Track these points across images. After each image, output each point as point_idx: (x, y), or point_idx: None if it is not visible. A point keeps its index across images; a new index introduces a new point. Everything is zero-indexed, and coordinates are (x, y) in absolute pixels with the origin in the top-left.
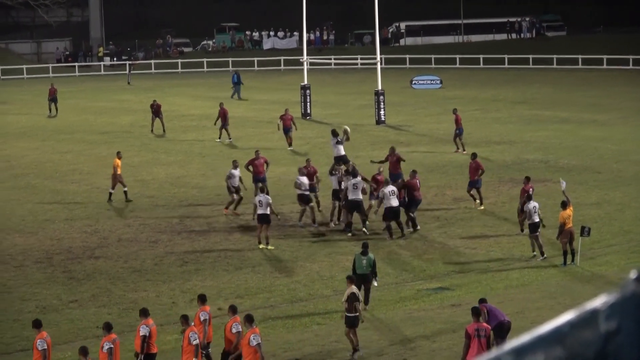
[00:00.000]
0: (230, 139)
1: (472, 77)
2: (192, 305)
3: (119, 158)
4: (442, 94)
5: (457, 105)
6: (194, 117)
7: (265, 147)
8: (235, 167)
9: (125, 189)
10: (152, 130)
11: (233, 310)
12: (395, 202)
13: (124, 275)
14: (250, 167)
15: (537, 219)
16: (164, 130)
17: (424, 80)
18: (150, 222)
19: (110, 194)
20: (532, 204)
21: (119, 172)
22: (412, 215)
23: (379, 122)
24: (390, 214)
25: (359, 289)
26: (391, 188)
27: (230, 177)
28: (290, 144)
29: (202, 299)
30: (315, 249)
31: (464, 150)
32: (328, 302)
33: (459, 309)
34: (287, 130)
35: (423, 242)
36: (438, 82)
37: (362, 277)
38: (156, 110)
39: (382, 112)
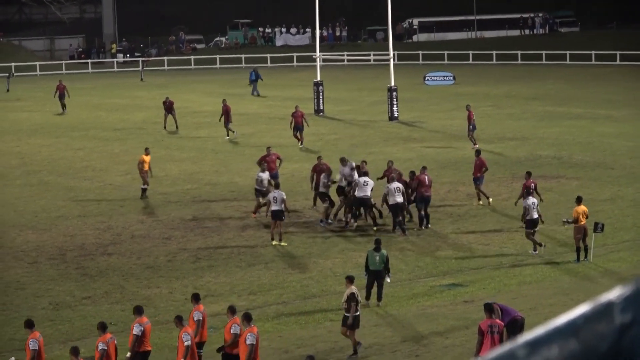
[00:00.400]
0: (234, 133)
1: (485, 73)
2: (204, 301)
3: (147, 154)
4: (455, 90)
5: (470, 102)
6: (207, 113)
7: (277, 143)
8: (263, 171)
9: (147, 186)
10: (164, 127)
11: (232, 311)
12: (400, 199)
13: (137, 272)
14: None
15: (535, 215)
16: (176, 127)
17: (437, 76)
18: (163, 218)
19: (144, 189)
20: (531, 200)
21: (145, 168)
22: (422, 213)
23: (391, 118)
24: (395, 210)
25: (372, 285)
26: (396, 184)
27: (259, 180)
28: (301, 142)
29: (196, 298)
30: (328, 246)
31: (474, 145)
32: (341, 299)
33: (472, 305)
34: (299, 129)
35: (436, 238)
36: (451, 78)
37: (375, 274)
38: (168, 107)
39: (395, 108)
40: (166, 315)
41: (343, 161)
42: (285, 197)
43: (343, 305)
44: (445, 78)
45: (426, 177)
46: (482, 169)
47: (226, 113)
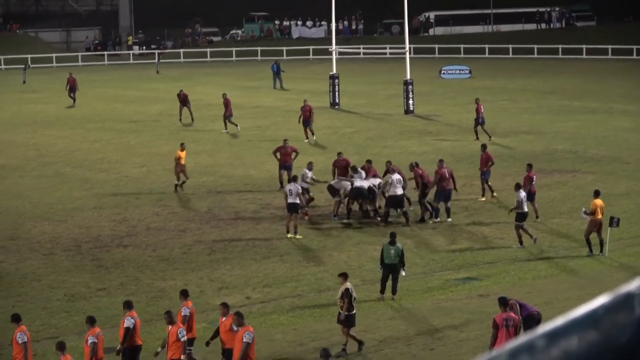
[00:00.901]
0: (226, 129)
1: (501, 67)
2: (220, 294)
3: (182, 150)
4: (471, 84)
5: (486, 96)
6: (222, 106)
7: (293, 136)
8: (310, 169)
9: (187, 180)
10: (180, 120)
11: (227, 307)
12: (399, 191)
13: (152, 264)
14: (277, 154)
15: (526, 209)
16: (192, 119)
17: (453, 70)
18: (178, 210)
19: (176, 185)
20: (523, 194)
21: (182, 162)
22: (438, 206)
23: (407, 111)
24: (393, 202)
25: (387, 278)
26: (398, 176)
27: (304, 177)
28: (312, 134)
29: (185, 294)
30: (343, 239)
31: (490, 138)
32: (356, 292)
33: (487, 299)
34: (307, 123)
35: (451, 231)
36: (467, 72)
37: (390, 267)
38: (183, 100)
39: (410, 101)
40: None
41: (355, 169)
42: (301, 190)
43: (339, 302)
44: (461, 72)
45: (446, 170)
46: (487, 163)
47: (226, 106)
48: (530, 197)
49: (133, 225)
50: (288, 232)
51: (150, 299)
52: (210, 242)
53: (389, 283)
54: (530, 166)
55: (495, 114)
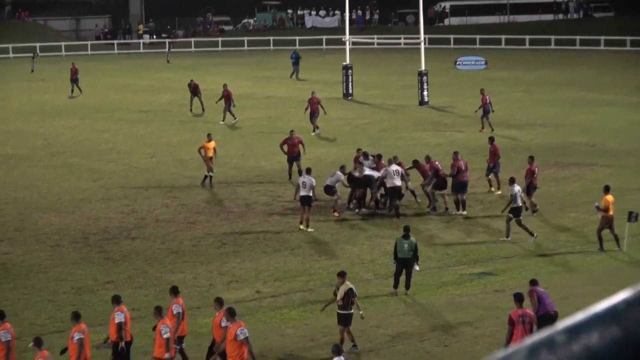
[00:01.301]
0: (235, 119)
1: (517, 58)
2: (229, 287)
3: (209, 140)
4: (487, 75)
5: (501, 87)
6: (234, 96)
7: (305, 127)
8: (343, 172)
9: (209, 174)
10: (190, 110)
11: (220, 303)
12: (398, 182)
13: (160, 257)
14: (284, 147)
15: (520, 203)
16: (202, 110)
17: (468, 60)
18: (188, 202)
19: (211, 177)
20: (517, 188)
21: (209, 154)
22: (461, 198)
23: (422, 102)
24: (393, 192)
25: (400, 273)
26: (395, 167)
27: (337, 178)
28: (316, 129)
29: (175, 291)
30: (356, 232)
31: (481, 129)
32: (368, 286)
33: (502, 295)
34: (313, 115)
35: (466, 225)
36: (483, 62)
37: (404, 261)
38: (194, 90)
39: (425, 92)
40: (190, 301)
41: (366, 156)
42: (314, 183)
43: (338, 302)
44: (476, 63)
45: (462, 162)
46: (495, 156)
47: (227, 97)
48: (530, 190)
49: (142, 217)
50: (301, 223)
51: (158, 292)
52: (220, 234)
53: (403, 278)
54: (532, 158)
55: (510, 105)
